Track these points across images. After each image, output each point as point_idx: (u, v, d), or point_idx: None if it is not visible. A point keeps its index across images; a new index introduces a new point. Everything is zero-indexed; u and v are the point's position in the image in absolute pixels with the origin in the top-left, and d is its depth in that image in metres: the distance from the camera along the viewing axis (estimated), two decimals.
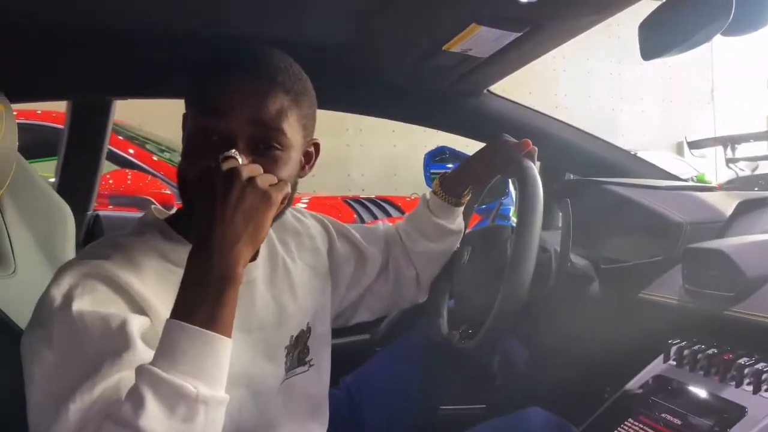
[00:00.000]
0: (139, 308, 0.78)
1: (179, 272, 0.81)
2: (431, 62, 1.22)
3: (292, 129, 0.85)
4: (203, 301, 0.69)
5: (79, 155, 1.50)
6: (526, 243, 0.96)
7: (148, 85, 1.31)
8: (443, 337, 1.20)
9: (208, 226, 0.71)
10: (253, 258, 0.88)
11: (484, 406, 1.54)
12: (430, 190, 1.19)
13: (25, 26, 1.13)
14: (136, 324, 0.75)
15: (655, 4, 0.94)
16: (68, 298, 0.74)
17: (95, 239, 1.55)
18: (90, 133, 1.47)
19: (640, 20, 0.97)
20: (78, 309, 0.73)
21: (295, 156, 0.88)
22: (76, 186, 1.50)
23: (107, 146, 1.51)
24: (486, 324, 1.00)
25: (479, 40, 1.08)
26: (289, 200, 0.88)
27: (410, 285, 1.21)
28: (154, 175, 2.85)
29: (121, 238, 0.87)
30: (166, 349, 0.67)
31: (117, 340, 0.72)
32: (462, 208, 1.19)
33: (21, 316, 0.96)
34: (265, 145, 0.83)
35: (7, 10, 1.04)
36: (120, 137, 3.24)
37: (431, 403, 1.36)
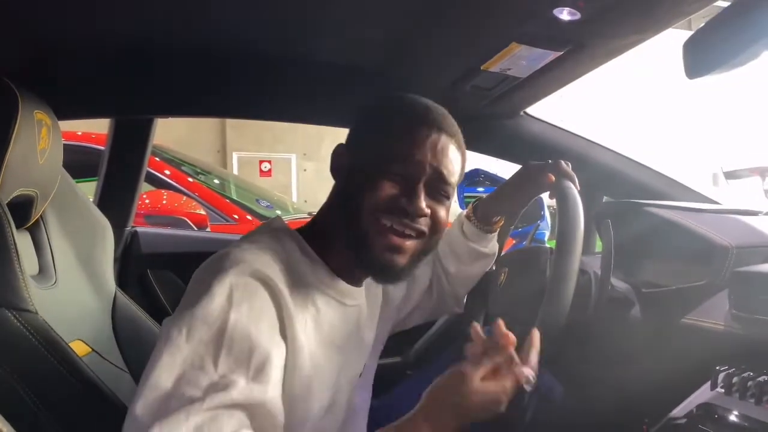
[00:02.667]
0: (284, 324, 0.81)
1: (310, 287, 0.88)
2: (470, 82, 1.23)
3: (456, 180, 0.94)
4: None
5: (119, 172, 1.53)
6: (567, 264, 0.94)
7: (188, 104, 1.34)
8: None
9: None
10: (359, 283, 0.96)
11: None
12: (464, 212, 1.19)
13: (72, 45, 1.16)
14: (277, 358, 0.77)
15: (684, 33, 0.93)
16: (229, 300, 0.76)
17: (133, 255, 1.60)
18: (131, 151, 1.50)
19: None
20: (235, 319, 0.74)
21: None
22: (115, 202, 1.52)
23: (147, 164, 1.54)
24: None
25: (519, 59, 1.07)
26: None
27: (450, 300, 1.23)
28: (189, 197, 2.90)
29: (267, 241, 0.88)
30: None
31: (253, 371, 0.74)
32: (495, 234, 1.18)
33: (61, 326, 0.97)
34: (439, 193, 0.91)
35: (56, 29, 1.08)
36: (157, 159, 3.31)
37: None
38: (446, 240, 1.20)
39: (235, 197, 3.56)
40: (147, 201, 2.38)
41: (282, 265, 0.84)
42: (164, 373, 0.71)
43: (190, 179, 3.33)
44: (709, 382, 0.91)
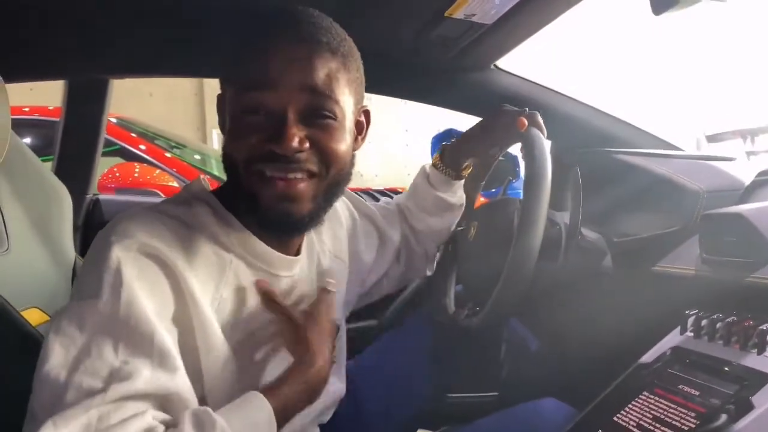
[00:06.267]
0: (184, 300, 0.72)
1: (226, 256, 0.79)
2: (434, 32, 1.18)
3: (343, 95, 0.78)
4: (294, 406, 0.76)
5: (76, 137, 1.48)
6: (534, 210, 0.91)
7: (144, 63, 1.28)
8: (449, 317, 1.15)
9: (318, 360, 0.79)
10: (298, 252, 0.88)
11: (496, 393, 1.49)
12: (429, 163, 1.16)
13: (18, 2, 1.10)
14: (173, 342, 0.70)
15: None
16: (118, 278, 0.67)
17: (95, 223, 1.55)
18: (87, 115, 1.45)
19: None
20: (128, 299, 0.66)
21: (349, 126, 0.80)
22: (74, 168, 1.47)
23: (105, 128, 1.49)
24: (492, 295, 0.95)
25: (482, 3, 1.03)
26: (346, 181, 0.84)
27: (420, 261, 1.19)
28: (167, 172, 2.84)
29: (171, 208, 0.78)
30: (243, 416, 0.70)
31: (157, 356, 0.66)
32: (462, 182, 1.15)
33: (13, 295, 0.94)
34: (318, 115, 0.76)
35: None
36: (133, 134, 3.25)
37: (438, 390, 1.32)
38: (411, 194, 1.17)
39: (216, 173, 3.51)
40: (117, 174, 2.32)
41: (184, 236, 0.74)
42: (58, 365, 0.63)
43: (168, 154, 3.28)
44: (678, 327, 0.89)
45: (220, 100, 0.82)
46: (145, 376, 0.64)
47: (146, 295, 0.68)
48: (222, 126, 0.82)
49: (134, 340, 0.65)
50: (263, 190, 0.76)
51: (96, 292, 0.67)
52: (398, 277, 1.19)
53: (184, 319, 0.72)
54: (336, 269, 0.99)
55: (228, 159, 0.78)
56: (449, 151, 1.12)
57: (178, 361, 0.68)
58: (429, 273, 1.23)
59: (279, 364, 0.81)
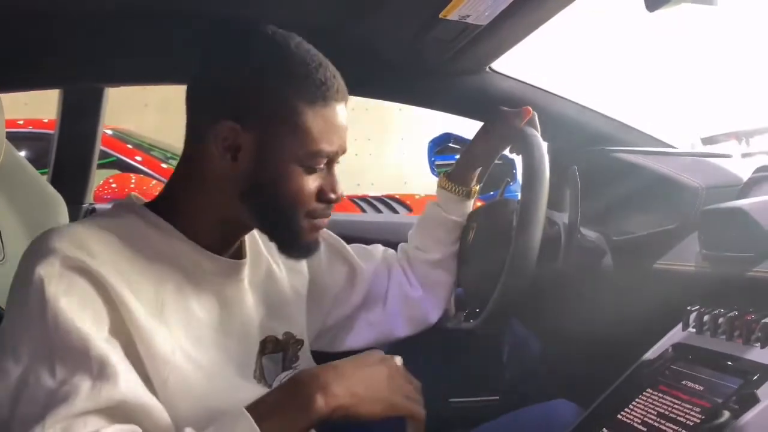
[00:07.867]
0: (117, 310, 0.70)
1: (162, 262, 0.77)
2: (429, 35, 1.18)
3: None
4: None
5: (72, 146, 1.47)
6: (533, 207, 0.91)
7: (139, 72, 1.28)
8: (450, 320, 1.15)
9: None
10: (241, 256, 0.86)
11: (497, 397, 1.48)
12: (437, 188, 1.14)
13: (10, 11, 1.10)
14: (113, 352, 0.67)
15: None
16: (42, 298, 0.66)
17: None
18: (83, 124, 1.45)
19: None
20: (54, 316, 0.65)
21: None
22: (70, 177, 1.47)
23: (101, 136, 1.48)
24: (493, 296, 0.95)
25: (477, 3, 1.03)
26: None
27: (417, 306, 1.11)
28: (163, 183, 2.84)
29: (100, 221, 0.78)
30: None
31: (97, 368, 0.64)
32: (472, 202, 1.14)
33: None
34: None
35: None
36: (129, 146, 3.25)
37: (439, 395, 1.31)
38: (420, 225, 1.14)
39: None
40: (113, 185, 2.32)
41: (113, 245, 0.73)
42: (9, 402, 0.63)
43: (164, 165, 3.28)
44: (680, 323, 0.89)
45: (231, 132, 0.77)
46: (85, 392, 0.62)
47: (77, 309, 0.67)
48: (238, 161, 0.78)
49: (69, 357, 0.64)
50: (309, 229, 0.83)
51: (23, 315, 0.67)
52: (382, 323, 1.09)
53: (122, 328, 0.70)
54: (290, 285, 0.96)
55: (277, 205, 0.79)
56: (455, 168, 1.12)
57: (120, 367, 0.66)
58: (433, 321, 1.12)
59: (227, 369, 0.80)
